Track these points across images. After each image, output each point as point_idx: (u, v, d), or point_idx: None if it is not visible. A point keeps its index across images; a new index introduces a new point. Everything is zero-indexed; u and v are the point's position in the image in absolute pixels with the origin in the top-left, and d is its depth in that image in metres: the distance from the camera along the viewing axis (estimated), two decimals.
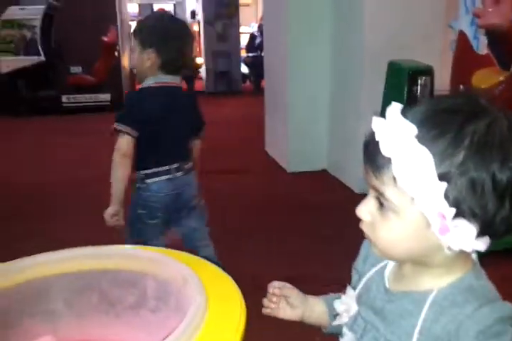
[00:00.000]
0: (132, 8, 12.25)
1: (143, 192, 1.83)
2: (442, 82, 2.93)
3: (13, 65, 6.85)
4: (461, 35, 2.76)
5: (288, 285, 0.85)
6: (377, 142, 0.59)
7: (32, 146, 5.20)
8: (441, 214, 0.57)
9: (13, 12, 6.88)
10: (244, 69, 9.33)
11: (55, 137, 5.57)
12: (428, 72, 2.88)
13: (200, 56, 9.42)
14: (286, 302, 0.83)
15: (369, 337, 0.69)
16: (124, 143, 1.73)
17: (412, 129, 0.57)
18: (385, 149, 0.58)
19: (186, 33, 1.87)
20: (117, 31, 7.45)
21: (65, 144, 5.19)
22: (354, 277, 0.79)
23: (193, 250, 1.79)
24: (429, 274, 0.65)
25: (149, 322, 0.86)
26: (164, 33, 1.79)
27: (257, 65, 7.92)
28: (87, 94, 7.01)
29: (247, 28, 10.82)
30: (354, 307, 0.74)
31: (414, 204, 0.59)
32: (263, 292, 0.84)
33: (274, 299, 0.83)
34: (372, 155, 0.60)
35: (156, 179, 1.81)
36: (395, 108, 0.60)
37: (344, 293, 0.81)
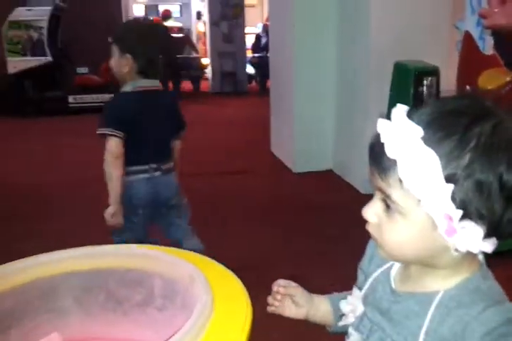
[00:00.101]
0: (138, 9, 12.29)
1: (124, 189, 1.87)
2: (448, 82, 2.92)
3: (20, 65, 6.89)
4: (467, 36, 2.75)
5: (293, 283, 0.85)
6: (383, 144, 0.59)
7: (37, 147, 5.22)
8: (448, 215, 0.57)
9: (20, 13, 6.92)
10: (250, 69, 9.35)
11: (60, 138, 5.60)
12: (434, 72, 2.88)
13: (206, 57, 9.45)
14: (292, 301, 0.84)
15: (375, 337, 0.69)
16: (113, 145, 1.79)
17: (418, 131, 0.57)
18: (390, 151, 0.58)
19: (163, 39, 1.89)
20: None
21: (70, 145, 5.21)
22: (360, 277, 0.79)
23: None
24: (435, 275, 0.65)
25: (156, 320, 0.87)
26: (141, 39, 1.83)
27: (262, 66, 7.92)
28: (94, 95, 7.03)
29: (253, 29, 10.82)
30: (360, 308, 0.74)
31: (420, 206, 0.59)
32: (268, 291, 0.84)
33: (279, 297, 0.83)
34: (378, 157, 0.60)
35: (134, 177, 1.87)
36: (401, 110, 0.60)
37: (349, 292, 0.82)
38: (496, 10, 2.33)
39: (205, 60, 9.29)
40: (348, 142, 3.90)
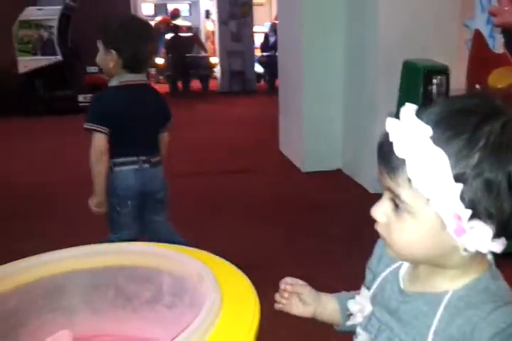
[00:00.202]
0: (147, 9, 12.33)
1: (110, 179, 1.94)
2: (458, 81, 2.90)
3: (30, 64, 6.94)
4: (477, 34, 2.73)
5: (300, 281, 0.85)
6: (392, 143, 0.59)
7: (46, 146, 5.26)
8: (457, 215, 0.57)
9: (31, 12, 6.97)
10: (259, 68, 9.35)
11: (69, 137, 5.62)
12: (443, 71, 2.86)
13: (215, 56, 9.46)
14: (299, 299, 0.84)
15: (383, 337, 0.69)
16: (98, 140, 1.87)
17: (427, 130, 0.57)
18: (399, 150, 0.58)
19: (147, 34, 1.98)
20: None
21: (77, 144, 5.24)
22: (368, 276, 0.79)
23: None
24: (444, 275, 0.65)
25: (165, 317, 0.87)
26: (125, 34, 1.89)
27: (271, 65, 7.92)
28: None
29: (261, 28, 10.82)
30: (368, 308, 0.74)
31: (429, 206, 0.58)
32: (274, 289, 0.85)
33: (286, 295, 0.84)
34: (387, 157, 0.60)
35: (124, 168, 1.93)
36: (409, 109, 0.60)
37: (357, 291, 0.82)
38: (506, 8, 2.32)
39: (214, 59, 9.30)
40: (356, 141, 3.89)
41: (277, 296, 0.85)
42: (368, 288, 0.76)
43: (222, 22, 8.87)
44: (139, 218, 2.04)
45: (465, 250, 0.60)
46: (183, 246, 0.95)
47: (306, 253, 2.68)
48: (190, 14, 12.73)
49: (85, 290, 0.92)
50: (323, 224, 3.09)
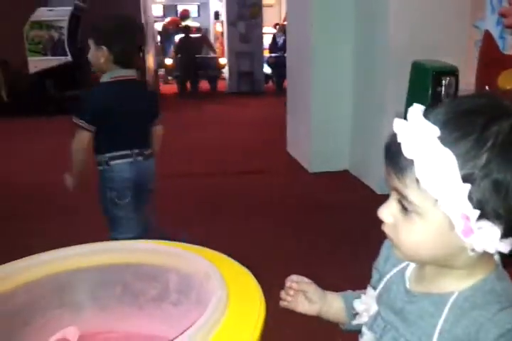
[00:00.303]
0: (157, 10, 12.38)
1: (106, 173, 2.02)
2: (467, 82, 2.89)
3: (40, 65, 6.99)
4: (487, 35, 2.72)
5: (306, 279, 0.85)
6: (400, 144, 0.59)
7: (56, 145, 5.28)
8: (465, 215, 0.57)
9: (42, 13, 7.02)
10: (267, 69, 9.35)
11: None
12: (452, 72, 2.85)
13: (224, 56, 9.48)
14: (304, 297, 0.84)
15: (388, 337, 0.69)
16: (81, 137, 1.96)
17: (435, 131, 0.57)
18: (407, 151, 0.58)
19: (135, 31, 2.06)
20: None
21: None
22: (375, 276, 0.79)
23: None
24: (450, 276, 0.65)
25: (171, 315, 0.88)
26: (114, 31, 1.96)
27: (279, 66, 7.92)
28: None
29: (270, 29, 10.83)
30: (374, 307, 0.74)
31: (437, 206, 0.58)
32: (280, 288, 0.85)
33: (291, 292, 0.84)
34: (395, 157, 0.60)
35: (119, 161, 2.01)
36: (417, 109, 0.60)
37: (363, 291, 0.82)
38: None
39: (223, 60, 9.32)
40: (364, 142, 3.88)
41: (283, 294, 0.85)
42: (374, 288, 0.76)
43: (231, 23, 8.89)
44: (136, 210, 2.11)
45: (472, 250, 0.60)
46: (190, 245, 0.96)
47: (312, 253, 2.68)
48: (199, 15, 12.77)
49: (92, 288, 0.93)
50: (330, 224, 3.09)
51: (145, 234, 2.08)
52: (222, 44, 10.32)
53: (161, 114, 2.20)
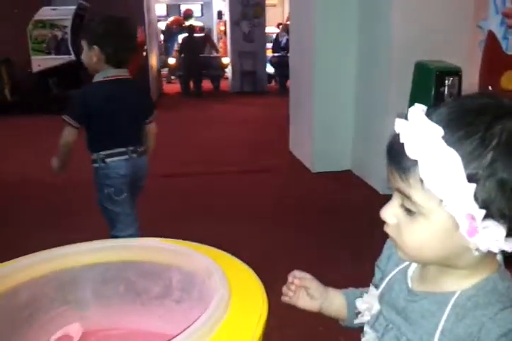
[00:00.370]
0: (160, 9, 12.39)
1: (102, 170, 2.07)
2: (471, 82, 2.88)
3: (44, 64, 7.01)
4: (491, 36, 2.72)
5: (308, 275, 0.85)
6: (403, 144, 0.58)
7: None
8: (471, 215, 0.57)
9: (46, 12, 7.04)
10: (270, 69, 9.35)
11: (82, 134, 5.67)
12: (455, 72, 2.85)
13: (227, 56, 9.48)
14: (306, 293, 0.84)
15: (390, 336, 0.69)
16: (68, 133, 2.04)
17: (438, 131, 0.57)
18: (411, 151, 0.57)
19: (127, 30, 2.12)
20: (145, 31, 7.55)
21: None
22: (377, 275, 0.79)
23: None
24: (453, 275, 0.65)
25: (173, 312, 0.88)
26: (105, 32, 2.02)
27: (282, 65, 7.92)
28: None
29: (273, 29, 10.83)
30: (376, 306, 0.74)
31: (441, 206, 0.58)
32: (280, 287, 0.85)
33: (293, 287, 0.84)
34: (398, 157, 0.60)
35: (115, 158, 2.06)
36: (418, 109, 0.60)
37: (365, 289, 0.82)
38: None
39: (226, 60, 9.32)
40: (367, 142, 3.88)
41: (284, 289, 0.85)
42: (377, 287, 0.76)
43: (234, 22, 8.89)
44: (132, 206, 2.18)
45: (477, 250, 0.59)
46: (193, 243, 0.96)
47: (314, 253, 2.68)
48: (203, 15, 12.78)
49: (95, 285, 0.94)
50: (332, 224, 3.09)
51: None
52: (225, 43, 10.32)
53: (155, 112, 2.25)
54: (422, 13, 3.38)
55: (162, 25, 10.88)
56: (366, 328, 0.75)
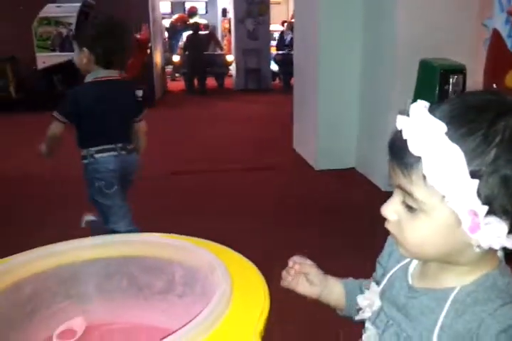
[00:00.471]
0: (164, 6, 12.39)
1: (91, 165, 2.15)
2: (475, 80, 2.88)
3: (49, 61, 7.03)
4: (495, 34, 2.70)
5: (309, 261, 0.86)
6: (405, 140, 0.58)
7: (64, 141, 5.30)
8: (473, 212, 0.57)
9: (51, 9, 7.05)
10: (274, 67, 9.34)
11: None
12: (460, 70, 2.84)
13: (231, 54, 9.48)
14: (306, 279, 0.85)
15: (390, 332, 0.69)
16: (53, 126, 2.15)
17: (442, 127, 0.57)
18: (414, 147, 0.57)
19: (118, 33, 2.19)
20: (149, 29, 7.55)
21: None
22: (378, 271, 0.79)
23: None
24: (453, 272, 0.65)
25: (176, 306, 0.89)
26: (95, 34, 2.13)
27: (286, 63, 7.91)
28: None
29: (278, 26, 10.81)
30: (377, 303, 0.74)
31: (444, 203, 0.58)
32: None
33: (292, 272, 0.84)
34: (400, 154, 0.60)
35: (105, 154, 2.15)
36: (421, 106, 0.60)
37: (367, 280, 0.82)
38: None
39: (230, 57, 9.32)
40: (371, 140, 3.87)
41: (284, 273, 0.85)
42: (378, 283, 0.76)
43: (239, 20, 8.88)
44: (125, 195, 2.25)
45: (478, 247, 0.59)
46: (196, 238, 0.96)
47: (317, 251, 2.68)
48: (207, 12, 12.77)
49: (98, 280, 0.94)
50: (335, 222, 3.09)
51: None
52: (229, 41, 10.31)
53: (144, 111, 2.34)
54: (426, 11, 3.37)
55: (166, 23, 10.88)
56: (367, 324, 0.75)
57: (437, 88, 2.86)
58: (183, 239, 0.93)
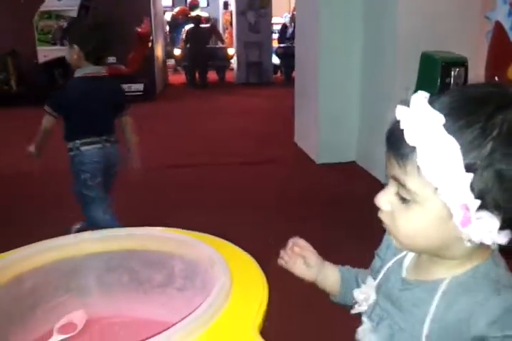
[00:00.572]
0: (166, 0, 12.33)
1: (77, 158, 2.30)
2: (477, 73, 2.86)
3: (50, 54, 7.01)
4: (498, 26, 2.69)
5: (310, 247, 0.88)
6: (403, 130, 0.58)
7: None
8: (465, 205, 0.56)
9: (51, 3, 7.03)
10: (276, 60, 9.31)
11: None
12: (462, 63, 2.83)
13: (232, 47, 9.44)
14: (304, 262, 0.86)
15: (384, 325, 0.70)
16: (45, 120, 2.29)
17: (440, 118, 0.56)
18: (410, 138, 0.57)
19: (106, 31, 2.36)
20: (151, 22, 7.52)
21: None
22: (377, 263, 0.79)
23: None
24: (444, 265, 0.65)
25: (176, 300, 0.89)
26: (85, 32, 2.29)
27: (288, 56, 7.88)
28: (121, 84, 7.09)
29: (280, 19, 10.75)
30: (373, 297, 0.74)
31: (437, 195, 0.58)
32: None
33: (290, 252, 0.87)
34: (397, 144, 0.60)
35: (90, 147, 2.29)
36: (421, 97, 0.59)
37: (365, 270, 0.83)
38: None
39: (231, 50, 9.29)
40: (372, 133, 3.87)
41: (282, 252, 0.88)
42: (374, 276, 0.76)
43: (240, 13, 8.84)
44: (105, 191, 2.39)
45: (469, 241, 0.59)
46: (196, 232, 0.97)
47: (318, 244, 2.68)
48: (208, 5, 12.71)
49: (99, 273, 0.95)
50: (336, 215, 3.09)
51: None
52: (230, 34, 10.27)
53: (129, 106, 2.49)
54: (427, 3, 3.36)
55: (168, 16, 10.84)
56: (364, 318, 0.75)
57: (439, 81, 2.85)
58: (183, 233, 0.94)
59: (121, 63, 7.45)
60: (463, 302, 0.61)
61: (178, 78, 9.64)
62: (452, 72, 2.80)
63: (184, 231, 0.98)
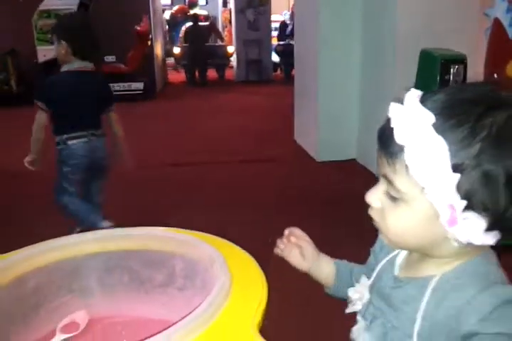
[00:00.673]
0: None
1: (64, 151, 2.36)
2: (476, 70, 2.86)
3: (49, 54, 6.98)
4: (496, 23, 2.69)
5: (307, 238, 0.89)
6: (393, 129, 0.58)
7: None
8: (452, 205, 0.56)
9: (50, 2, 7.03)
10: (275, 57, 9.30)
11: None
12: (461, 60, 2.82)
13: (232, 45, 9.44)
14: (300, 252, 0.87)
15: (377, 323, 0.70)
16: (40, 116, 2.36)
17: (430, 117, 0.56)
18: (399, 136, 0.57)
19: (89, 28, 2.42)
20: (150, 20, 7.52)
21: None
22: (372, 260, 0.80)
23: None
24: (435, 262, 0.65)
25: (177, 299, 0.90)
26: (73, 28, 2.35)
27: (287, 54, 7.88)
28: (121, 83, 7.10)
29: (279, 17, 10.74)
30: (366, 296, 0.75)
31: (424, 194, 0.58)
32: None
33: (286, 241, 0.88)
34: (387, 142, 0.60)
35: (75, 141, 2.35)
36: (414, 95, 0.59)
37: (361, 266, 0.84)
38: None
39: (231, 48, 9.28)
40: (372, 131, 3.80)
41: (279, 240, 0.88)
42: (369, 276, 0.76)
43: (240, 10, 8.83)
44: (82, 184, 2.49)
45: (456, 241, 0.60)
46: (196, 231, 0.98)
47: (318, 242, 2.69)
48: (207, 3, 12.69)
49: (100, 273, 0.95)
50: (336, 213, 3.10)
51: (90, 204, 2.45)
52: (230, 32, 10.26)
53: (114, 102, 2.53)
54: (427, 2, 3.35)
55: (167, 14, 10.83)
56: (358, 317, 0.76)
57: (438, 78, 2.85)
58: (183, 233, 0.94)
59: (121, 62, 7.46)
60: (452, 298, 0.61)
61: (178, 76, 9.64)
62: (451, 69, 2.79)
63: (184, 230, 0.98)
